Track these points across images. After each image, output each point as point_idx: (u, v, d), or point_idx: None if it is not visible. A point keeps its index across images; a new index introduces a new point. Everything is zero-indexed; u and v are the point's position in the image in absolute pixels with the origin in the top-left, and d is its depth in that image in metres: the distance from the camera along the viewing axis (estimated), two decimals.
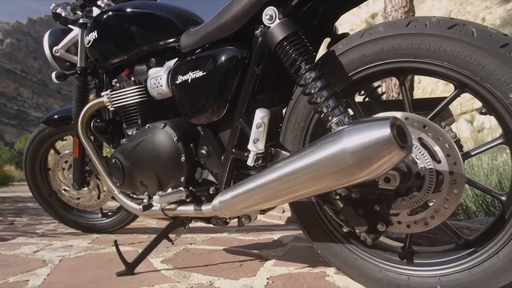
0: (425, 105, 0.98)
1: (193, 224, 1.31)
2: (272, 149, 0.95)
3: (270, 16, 0.87)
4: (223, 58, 1.02)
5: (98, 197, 1.89)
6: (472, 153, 0.83)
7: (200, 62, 1.08)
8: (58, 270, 1.27)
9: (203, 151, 1.13)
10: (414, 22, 0.80)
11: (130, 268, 1.21)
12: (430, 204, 0.83)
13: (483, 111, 0.79)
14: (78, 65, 1.59)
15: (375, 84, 1.12)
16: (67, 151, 1.87)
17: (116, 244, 1.24)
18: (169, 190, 1.16)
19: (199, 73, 1.07)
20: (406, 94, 0.88)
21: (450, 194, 0.78)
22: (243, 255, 1.51)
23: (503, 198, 0.79)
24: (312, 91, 0.83)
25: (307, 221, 1.04)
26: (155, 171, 1.20)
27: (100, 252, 1.54)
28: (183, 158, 1.14)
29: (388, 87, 3.32)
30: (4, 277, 1.17)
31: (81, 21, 1.53)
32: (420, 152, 0.80)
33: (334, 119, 0.80)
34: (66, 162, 1.88)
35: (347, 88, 0.92)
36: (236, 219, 1.16)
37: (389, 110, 0.88)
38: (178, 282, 1.14)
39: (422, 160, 0.80)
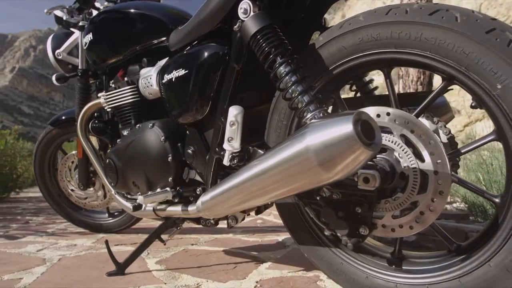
0: (421, 100, 0.91)
1: (199, 225, 1.29)
2: (250, 148, 0.91)
3: (245, 9, 0.84)
4: (203, 55, 1.00)
5: (104, 197, 1.92)
6: (462, 151, 0.76)
7: (183, 60, 1.06)
8: (53, 269, 1.29)
9: (189, 151, 1.11)
10: (394, 9, 0.74)
11: (120, 268, 1.21)
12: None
13: (473, 104, 0.72)
14: (79, 67, 1.61)
15: (367, 78, 1.06)
16: (73, 152, 1.91)
17: (107, 244, 1.25)
18: (158, 190, 1.15)
19: (181, 71, 1.05)
20: (392, 89, 0.82)
21: (435, 196, 0.72)
22: (241, 256, 1.48)
23: (497, 200, 0.72)
24: (286, 86, 0.79)
25: (292, 223, 0.99)
26: (145, 171, 1.19)
27: (100, 252, 1.56)
28: (170, 158, 1.13)
29: (405, 84, 3.17)
30: (0, 275, 1.20)
31: (80, 24, 1.56)
32: (403, 150, 0.74)
33: (309, 115, 0.76)
34: (72, 162, 1.92)
35: (330, 83, 0.87)
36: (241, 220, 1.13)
37: (381, 105, 0.82)
38: (165, 283, 1.12)
39: (405, 159, 0.74)
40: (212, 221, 1.13)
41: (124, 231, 2.00)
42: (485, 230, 0.74)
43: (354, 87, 1.07)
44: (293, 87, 0.78)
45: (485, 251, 0.70)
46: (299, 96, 0.77)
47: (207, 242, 1.77)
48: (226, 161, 0.90)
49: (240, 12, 0.85)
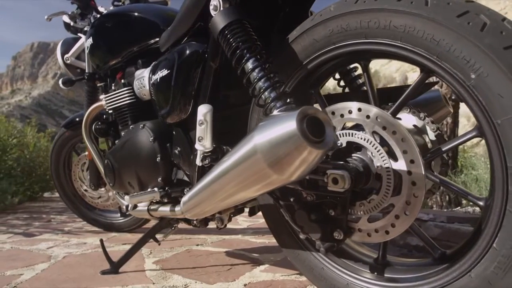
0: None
1: (190, 225, 1.28)
2: (224, 147, 0.89)
3: (215, 6, 0.81)
4: (184, 54, 0.99)
5: None
6: (444, 149, 0.69)
7: (167, 60, 1.06)
8: (55, 266, 1.34)
9: (176, 151, 1.10)
10: None
11: (114, 267, 1.22)
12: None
13: (453, 97, 0.65)
14: (86, 71, 1.67)
15: (355, 73, 1.00)
16: (86, 153, 1.97)
17: (102, 243, 1.27)
18: (148, 190, 1.16)
19: (165, 71, 1.05)
20: (370, 83, 0.76)
21: (410, 198, 0.66)
22: (241, 258, 1.45)
23: (481, 203, 0.64)
24: (253, 81, 0.76)
25: (275, 224, 0.96)
26: (136, 171, 1.21)
27: None
28: (158, 159, 1.13)
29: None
30: (4, 270, 1.26)
31: (85, 28, 1.61)
32: (375, 149, 0.69)
33: (275, 112, 0.72)
34: (84, 163, 1.98)
35: (306, 78, 0.83)
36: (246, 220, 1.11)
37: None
38: (154, 283, 1.13)
39: (378, 158, 0.69)
40: (195, 222, 1.12)
41: (134, 230, 2.04)
42: (471, 236, 0.67)
43: (342, 83, 1.01)
44: (259, 82, 0.74)
45: (466, 260, 0.63)
46: (265, 92, 0.74)
47: (213, 242, 1.76)
48: (198, 161, 0.88)
49: (211, 9, 0.83)
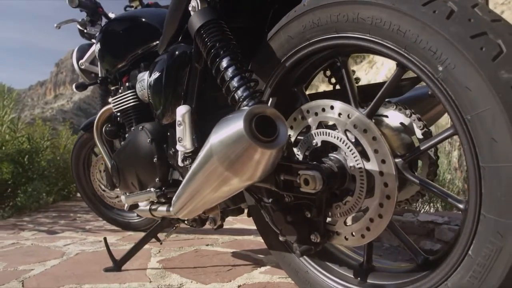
0: (404, 90, 0.81)
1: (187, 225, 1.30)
2: None
3: (193, 7, 0.82)
4: (173, 56, 1.01)
5: None
6: (422, 148, 0.65)
7: (159, 62, 1.08)
8: (65, 262, 1.40)
9: (171, 152, 1.12)
10: None
11: (116, 265, 1.26)
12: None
13: (429, 92, 0.61)
14: (99, 75, 1.73)
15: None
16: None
17: (105, 241, 1.31)
18: (145, 190, 1.18)
19: (157, 73, 1.07)
20: (348, 80, 0.73)
21: (383, 200, 0.62)
22: (245, 259, 1.45)
23: (461, 206, 0.59)
24: (225, 80, 0.75)
25: (262, 225, 0.94)
26: (137, 172, 1.24)
27: (117, 249, 1.65)
28: (155, 159, 1.15)
29: None
30: (17, 265, 1.34)
31: (97, 34, 1.67)
32: (348, 148, 0.65)
33: None
34: (102, 164, 2.06)
35: (287, 76, 0.81)
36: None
37: (364, 98, 0.74)
38: (151, 282, 1.15)
39: (351, 158, 0.65)
40: (186, 222, 1.13)
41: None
42: (452, 242, 0.62)
43: (333, 80, 0.98)
44: (233, 81, 0.73)
45: (443, 268, 0.58)
46: (238, 91, 0.73)
47: (224, 243, 1.77)
48: (180, 162, 0.89)
49: (190, 10, 0.83)
